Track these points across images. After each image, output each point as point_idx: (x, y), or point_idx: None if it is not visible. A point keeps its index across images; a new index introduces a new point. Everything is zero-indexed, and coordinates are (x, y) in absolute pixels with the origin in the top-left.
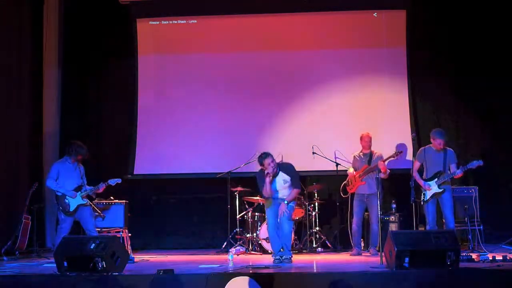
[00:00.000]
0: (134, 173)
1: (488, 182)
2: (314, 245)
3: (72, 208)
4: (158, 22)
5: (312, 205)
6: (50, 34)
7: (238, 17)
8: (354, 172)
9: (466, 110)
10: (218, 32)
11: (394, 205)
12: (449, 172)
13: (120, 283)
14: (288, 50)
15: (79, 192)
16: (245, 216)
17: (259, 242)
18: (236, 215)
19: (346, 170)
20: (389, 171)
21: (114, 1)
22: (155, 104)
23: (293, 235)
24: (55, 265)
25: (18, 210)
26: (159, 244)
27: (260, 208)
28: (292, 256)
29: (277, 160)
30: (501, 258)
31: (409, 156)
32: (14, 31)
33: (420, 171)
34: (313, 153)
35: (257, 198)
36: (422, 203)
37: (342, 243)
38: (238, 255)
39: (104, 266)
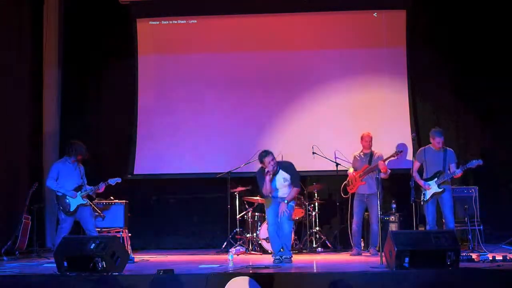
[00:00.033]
0: (134, 173)
1: (488, 182)
2: (314, 245)
3: (72, 208)
4: (158, 22)
5: (312, 205)
6: (50, 34)
7: (238, 17)
8: (354, 173)
9: (466, 110)
10: (218, 32)
11: (394, 205)
12: (448, 171)
13: (120, 283)
14: (288, 50)
15: (79, 192)
16: (245, 216)
17: (259, 242)
18: (236, 215)
19: (346, 170)
20: (389, 171)
21: (114, 1)
22: (155, 104)
23: (293, 235)
24: (55, 265)
25: (18, 210)
26: (159, 244)
27: (260, 208)
28: (292, 256)
29: (277, 159)
30: (501, 258)
31: (409, 156)
32: (14, 31)
33: (420, 172)
34: (313, 153)
35: (257, 198)
36: (422, 203)
37: (342, 243)
38: (238, 255)
39: (104, 266)
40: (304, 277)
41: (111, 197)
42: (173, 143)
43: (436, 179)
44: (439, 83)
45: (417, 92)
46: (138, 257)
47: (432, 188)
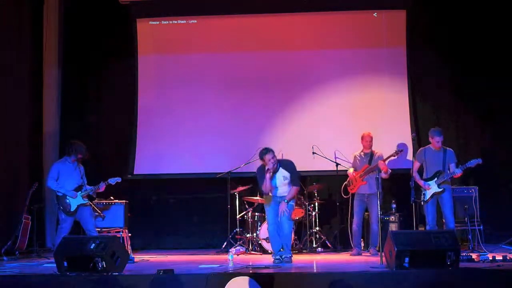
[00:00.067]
0: (134, 173)
1: (488, 182)
2: (314, 245)
3: (73, 208)
4: (158, 22)
5: (312, 205)
6: (50, 34)
7: (238, 17)
8: (354, 173)
9: (466, 110)
10: (218, 32)
11: (394, 205)
12: (448, 171)
13: (120, 283)
14: (288, 50)
15: (80, 192)
16: (245, 216)
17: (259, 242)
18: (236, 215)
19: (346, 170)
20: (390, 170)
21: (114, 1)
22: (155, 104)
23: (293, 235)
24: (55, 265)
25: (18, 210)
26: (159, 244)
27: (260, 208)
28: (292, 256)
29: (278, 158)
30: (501, 258)
31: (409, 156)
32: (14, 31)
33: (420, 172)
34: (313, 153)
35: (257, 198)
36: (422, 203)
37: (342, 243)
38: (238, 255)
39: (104, 266)
40: (304, 277)
41: (111, 197)
42: (173, 143)
43: (436, 179)
44: (439, 83)
45: (417, 92)
46: (138, 257)
47: (432, 188)
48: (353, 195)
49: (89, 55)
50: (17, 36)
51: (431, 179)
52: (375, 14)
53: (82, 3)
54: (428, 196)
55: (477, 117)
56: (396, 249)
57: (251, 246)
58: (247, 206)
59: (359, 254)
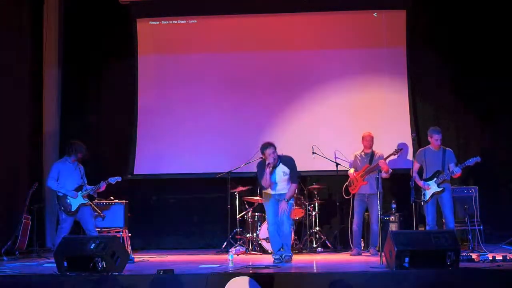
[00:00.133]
0: (134, 173)
1: (488, 182)
2: (314, 245)
3: (74, 208)
4: (158, 22)
5: (312, 205)
6: (50, 34)
7: (238, 17)
8: (355, 173)
9: (466, 110)
10: (218, 32)
11: (394, 205)
12: (448, 171)
13: (120, 283)
14: (288, 50)
15: (80, 192)
16: (245, 216)
17: (259, 242)
18: (236, 215)
19: (346, 170)
20: (391, 170)
21: (114, 1)
22: (155, 104)
23: (293, 235)
24: (55, 265)
25: (18, 210)
26: (159, 244)
27: (260, 208)
28: (292, 255)
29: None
30: (501, 258)
31: (410, 156)
32: (14, 31)
33: (420, 173)
34: (313, 153)
35: (257, 198)
36: (422, 203)
37: (342, 243)
38: (238, 255)
39: (104, 266)
40: (304, 277)
41: (111, 197)
42: (173, 143)
43: (435, 178)
44: (439, 83)
45: (417, 92)
46: (138, 257)
47: (431, 188)
48: (353, 195)
49: (89, 55)
50: (17, 36)
51: (430, 179)
52: (375, 14)
53: (82, 3)
54: (428, 196)
55: (477, 117)
56: (396, 249)
57: (251, 246)
58: (247, 206)
59: (359, 254)
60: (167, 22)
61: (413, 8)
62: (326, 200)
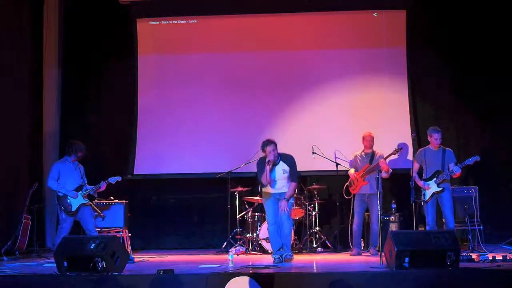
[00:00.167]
0: (134, 173)
1: (488, 182)
2: (314, 245)
3: (74, 208)
4: (158, 22)
5: (312, 205)
6: (50, 34)
7: (238, 17)
8: (355, 173)
9: (466, 110)
10: (218, 32)
11: (394, 205)
12: (447, 171)
13: (120, 283)
14: (288, 50)
15: (80, 192)
16: (245, 216)
17: (259, 242)
18: (236, 215)
19: (347, 170)
20: (391, 170)
21: (114, 1)
22: (155, 104)
23: (293, 235)
24: (55, 265)
25: (18, 210)
26: (159, 244)
27: (260, 208)
28: (292, 255)
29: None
30: (501, 258)
31: (410, 156)
32: (14, 31)
33: (420, 173)
34: (313, 153)
35: (257, 198)
36: (422, 203)
37: (342, 243)
38: (238, 255)
39: (104, 266)
40: (304, 277)
41: (111, 197)
42: (173, 143)
43: (435, 178)
44: (439, 83)
45: (417, 92)
46: (138, 257)
47: (431, 187)
48: (354, 195)
49: (89, 55)
50: (17, 36)
51: (430, 179)
52: (375, 14)
53: (82, 3)
54: (428, 196)
55: (477, 117)
56: (396, 249)
57: (251, 246)
58: (247, 206)
59: (359, 254)
60: (167, 22)
61: (413, 8)
62: (326, 200)
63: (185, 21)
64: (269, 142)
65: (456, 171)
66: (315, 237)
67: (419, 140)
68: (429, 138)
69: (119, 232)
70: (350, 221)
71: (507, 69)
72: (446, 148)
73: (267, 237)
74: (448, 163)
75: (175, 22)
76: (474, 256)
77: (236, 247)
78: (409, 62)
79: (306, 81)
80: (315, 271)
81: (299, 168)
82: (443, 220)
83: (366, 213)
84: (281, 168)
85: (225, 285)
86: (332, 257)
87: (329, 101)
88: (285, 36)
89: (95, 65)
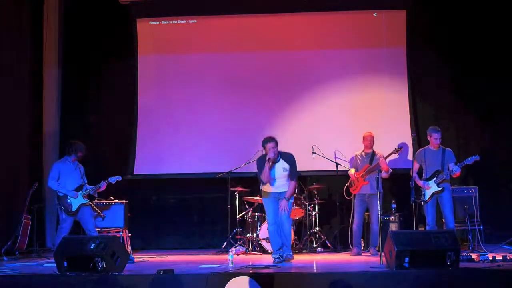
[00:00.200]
0: (134, 173)
1: (488, 182)
2: (314, 245)
3: (74, 208)
4: (158, 22)
5: (312, 205)
6: (50, 34)
7: (238, 17)
8: (356, 173)
9: (466, 110)
10: (218, 32)
11: (394, 205)
12: (447, 170)
13: (120, 283)
14: (288, 50)
15: (80, 192)
16: (245, 216)
17: (259, 242)
18: (236, 215)
19: (347, 170)
20: (391, 170)
21: (114, 1)
22: (155, 104)
23: (293, 235)
24: (55, 265)
25: (18, 210)
26: (159, 244)
27: (260, 208)
28: (292, 254)
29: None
30: (501, 258)
31: (410, 156)
32: (14, 31)
33: (420, 173)
34: (313, 153)
35: (257, 198)
36: (422, 203)
37: (342, 243)
38: (238, 255)
39: (104, 266)
40: (304, 277)
41: (111, 197)
42: (173, 143)
43: (435, 178)
44: (439, 83)
45: (417, 92)
46: (138, 257)
47: (431, 187)
48: (354, 195)
49: (89, 55)
50: (17, 36)
51: (430, 178)
52: (375, 14)
53: (82, 3)
54: (428, 196)
55: (477, 117)
56: (396, 249)
57: (251, 246)
58: (247, 206)
59: (359, 254)
60: (167, 22)
61: (413, 8)
62: (326, 200)
63: (185, 21)
64: (270, 139)
65: (456, 170)
66: (315, 237)
67: (419, 140)
68: (429, 138)
69: (119, 232)
70: (350, 221)
71: (507, 69)
72: (446, 148)
73: (267, 237)
74: (448, 163)
75: (175, 22)
76: (474, 256)
77: (236, 247)
78: (409, 62)
79: (306, 81)
80: (315, 271)
81: (299, 168)
82: (443, 220)
83: (366, 213)
84: (281, 166)
85: (225, 285)
86: (332, 257)
87: (329, 101)
88: (285, 36)
89: (95, 65)
